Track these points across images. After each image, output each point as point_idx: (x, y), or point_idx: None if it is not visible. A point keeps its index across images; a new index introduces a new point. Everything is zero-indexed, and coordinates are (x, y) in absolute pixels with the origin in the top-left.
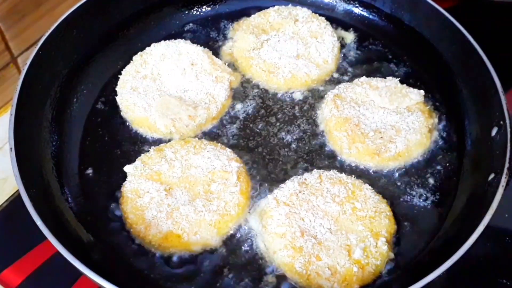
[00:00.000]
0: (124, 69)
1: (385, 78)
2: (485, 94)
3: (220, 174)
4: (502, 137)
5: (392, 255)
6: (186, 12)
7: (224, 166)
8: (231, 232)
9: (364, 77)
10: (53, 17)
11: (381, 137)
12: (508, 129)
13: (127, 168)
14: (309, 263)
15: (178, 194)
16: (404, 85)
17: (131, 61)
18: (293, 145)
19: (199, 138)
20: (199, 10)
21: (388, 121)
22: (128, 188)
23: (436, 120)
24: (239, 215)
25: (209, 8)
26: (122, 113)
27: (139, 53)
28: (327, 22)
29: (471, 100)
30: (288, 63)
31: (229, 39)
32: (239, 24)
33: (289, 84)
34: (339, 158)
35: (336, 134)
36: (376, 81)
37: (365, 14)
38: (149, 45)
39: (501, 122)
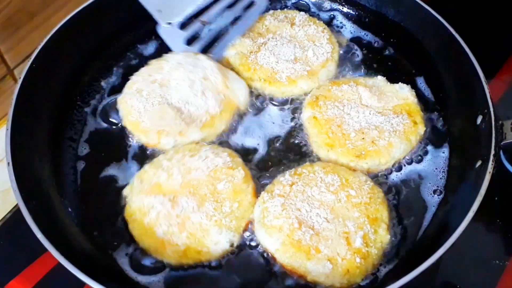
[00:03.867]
0: (137, 71)
1: (376, 76)
2: (469, 84)
3: (225, 171)
4: (487, 124)
5: (388, 237)
6: None
7: (227, 163)
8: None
9: (351, 74)
10: (47, 29)
11: (363, 138)
12: (493, 117)
13: (125, 191)
14: (309, 257)
15: (183, 202)
16: (394, 84)
17: (146, 64)
18: (283, 148)
19: None
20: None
21: (373, 121)
22: (130, 210)
23: (422, 126)
24: (251, 213)
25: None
26: (119, 114)
27: (157, 58)
28: (325, 25)
29: (456, 91)
30: (286, 68)
31: None
32: None
33: (287, 88)
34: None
35: (314, 139)
36: (364, 80)
37: (351, 12)
38: (143, 54)
39: (486, 111)
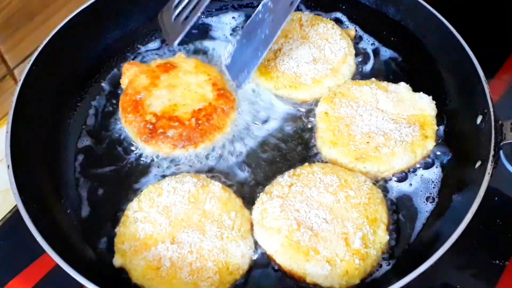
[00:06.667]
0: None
1: (395, 80)
2: (469, 84)
3: (201, 191)
4: (487, 125)
5: (387, 238)
6: None
7: (197, 183)
8: None
9: (374, 78)
10: (47, 29)
11: (368, 142)
12: (492, 117)
13: (116, 262)
14: (307, 258)
15: (185, 237)
16: (415, 93)
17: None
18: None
19: None
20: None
21: (383, 127)
22: (137, 273)
23: (432, 141)
24: (249, 214)
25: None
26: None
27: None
28: (332, 22)
29: (456, 90)
30: (308, 70)
31: None
32: None
33: (314, 89)
34: (320, 156)
35: (321, 134)
36: (387, 84)
37: (351, 10)
38: (143, 54)
39: (485, 110)
